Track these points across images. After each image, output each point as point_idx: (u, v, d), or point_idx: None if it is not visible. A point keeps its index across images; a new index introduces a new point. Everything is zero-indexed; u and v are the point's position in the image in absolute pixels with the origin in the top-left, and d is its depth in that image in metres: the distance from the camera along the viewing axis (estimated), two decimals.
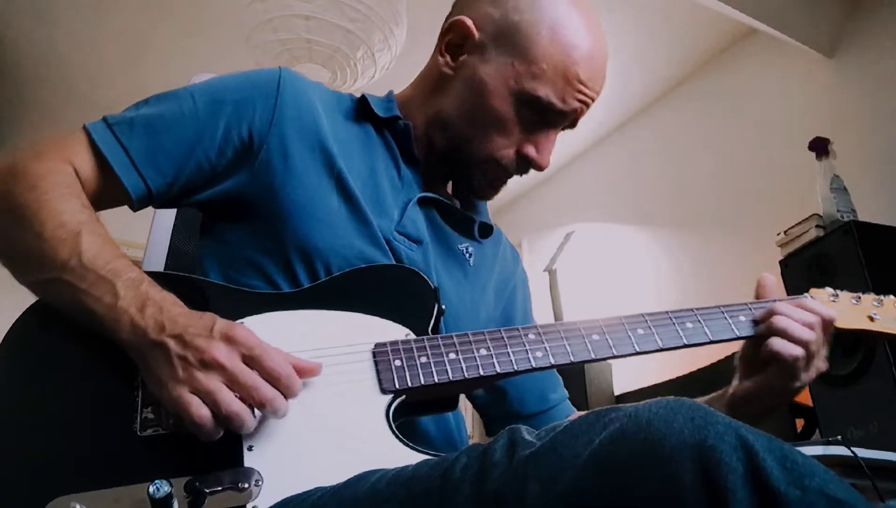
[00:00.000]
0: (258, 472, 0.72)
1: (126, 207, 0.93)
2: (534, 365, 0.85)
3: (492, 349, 0.85)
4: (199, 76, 1.17)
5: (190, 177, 0.92)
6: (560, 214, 3.88)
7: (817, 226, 2.28)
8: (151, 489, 0.66)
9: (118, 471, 0.71)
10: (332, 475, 0.71)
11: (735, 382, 0.99)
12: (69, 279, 0.77)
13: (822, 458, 1.53)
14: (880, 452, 1.61)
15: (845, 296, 1.01)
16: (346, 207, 0.94)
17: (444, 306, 0.90)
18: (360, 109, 1.05)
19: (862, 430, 1.87)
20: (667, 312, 0.94)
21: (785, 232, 2.38)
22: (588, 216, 3.75)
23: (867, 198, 2.39)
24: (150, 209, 1.03)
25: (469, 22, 1.00)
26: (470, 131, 0.99)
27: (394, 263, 0.94)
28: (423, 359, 0.82)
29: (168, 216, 1.22)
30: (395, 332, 0.85)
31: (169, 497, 0.67)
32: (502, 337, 0.86)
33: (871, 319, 0.99)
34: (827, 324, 0.94)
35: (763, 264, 2.62)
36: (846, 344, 1.91)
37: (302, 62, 2.43)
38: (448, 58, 1.02)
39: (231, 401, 0.71)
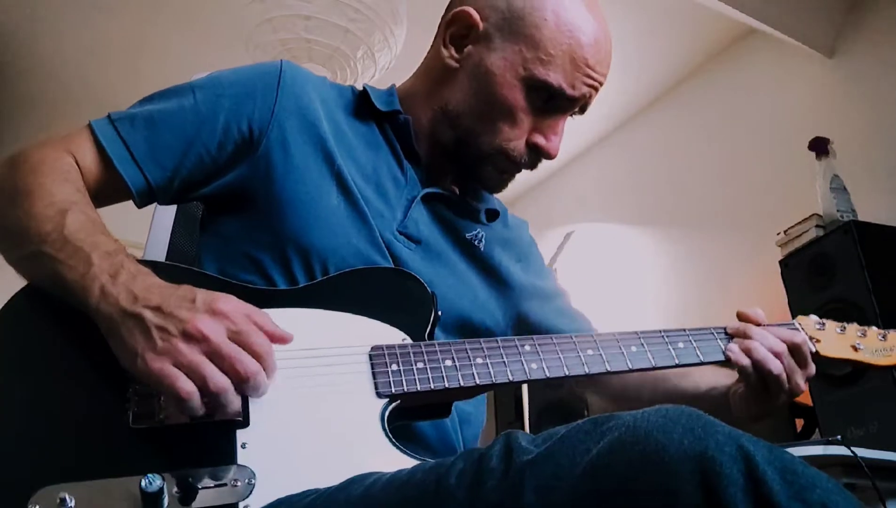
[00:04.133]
0: (252, 470, 0.71)
1: (125, 206, 0.93)
2: (529, 377, 0.85)
3: (488, 358, 0.85)
4: (198, 76, 1.16)
5: (191, 171, 0.92)
6: (560, 214, 3.87)
7: (817, 226, 2.28)
8: (143, 482, 0.65)
9: (108, 463, 0.70)
10: (325, 476, 0.70)
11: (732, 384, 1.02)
12: (48, 251, 0.76)
13: (822, 458, 1.53)
14: (880, 452, 1.61)
15: (831, 325, 1.05)
16: (345, 205, 0.94)
17: (440, 313, 0.89)
18: (362, 103, 1.04)
19: (862, 430, 1.87)
20: (660, 331, 0.96)
21: (785, 232, 2.38)
22: (588, 216, 3.74)
23: (867, 198, 2.39)
24: (150, 208, 1.02)
25: (473, 12, 1.00)
26: (479, 124, 0.98)
27: (391, 264, 0.94)
28: (420, 365, 0.82)
29: (168, 215, 1.21)
30: (392, 335, 0.85)
31: (160, 491, 0.66)
32: (498, 346, 0.86)
33: (855, 349, 1.03)
34: (796, 349, 0.96)
35: (763, 263, 2.62)
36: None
37: (302, 62, 2.42)
38: (452, 50, 1.01)
39: (218, 376, 0.70)
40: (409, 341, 0.84)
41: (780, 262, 2.25)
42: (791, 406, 2.12)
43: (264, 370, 0.73)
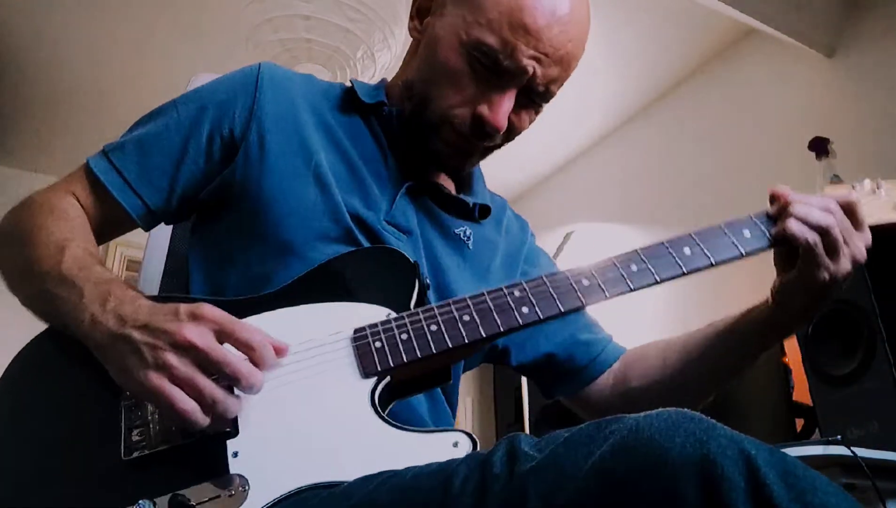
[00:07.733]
0: (243, 476, 0.71)
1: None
2: (521, 323, 0.83)
3: (475, 313, 0.82)
4: (198, 76, 1.17)
5: (185, 186, 0.95)
6: (560, 214, 3.87)
7: None
8: None
9: (104, 498, 0.71)
10: (321, 471, 0.71)
11: (774, 281, 0.98)
12: (48, 288, 0.80)
13: (821, 458, 1.54)
14: (880, 452, 1.61)
15: (862, 188, 0.97)
16: (322, 198, 0.94)
17: (427, 282, 0.88)
18: (349, 98, 1.04)
19: (862, 430, 1.87)
20: (662, 241, 0.92)
21: None
22: (588, 216, 3.74)
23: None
24: None
25: None
26: (428, 91, 0.97)
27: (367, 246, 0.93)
28: (405, 336, 0.80)
29: None
30: (376, 314, 0.83)
31: None
32: (485, 299, 0.84)
33: None
34: (849, 209, 0.93)
35: (763, 263, 2.62)
36: (847, 334, 1.91)
37: (302, 62, 2.43)
38: (416, 22, 1.03)
39: (212, 387, 0.71)
40: (393, 315, 0.83)
41: None
42: (791, 406, 2.12)
43: (258, 363, 0.74)
